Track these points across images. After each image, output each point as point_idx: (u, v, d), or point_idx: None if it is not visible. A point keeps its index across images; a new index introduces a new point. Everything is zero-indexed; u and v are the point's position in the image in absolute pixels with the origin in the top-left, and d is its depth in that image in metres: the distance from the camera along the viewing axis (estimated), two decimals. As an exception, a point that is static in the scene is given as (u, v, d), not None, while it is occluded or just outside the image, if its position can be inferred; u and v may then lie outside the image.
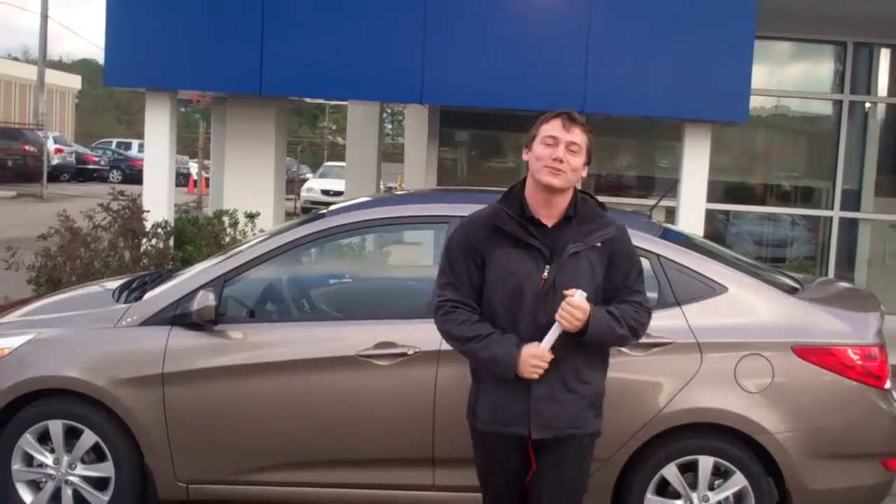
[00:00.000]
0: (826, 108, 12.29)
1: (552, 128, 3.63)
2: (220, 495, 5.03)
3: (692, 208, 9.12)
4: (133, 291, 5.41)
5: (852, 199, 11.94)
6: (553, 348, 3.62)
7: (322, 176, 31.20)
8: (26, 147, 32.88)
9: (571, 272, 3.61)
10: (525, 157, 3.74)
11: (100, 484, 5.03)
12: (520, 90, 8.89)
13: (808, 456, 4.74)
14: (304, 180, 31.71)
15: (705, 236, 9.21)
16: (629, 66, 8.86)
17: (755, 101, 10.98)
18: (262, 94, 9.26)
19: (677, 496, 4.82)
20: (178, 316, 4.92)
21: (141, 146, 41.98)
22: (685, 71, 8.86)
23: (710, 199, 9.82)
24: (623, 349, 4.70)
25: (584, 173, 3.71)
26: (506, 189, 3.84)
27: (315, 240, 5.19)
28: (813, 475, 4.76)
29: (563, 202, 3.67)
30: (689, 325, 4.81)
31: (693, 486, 4.80)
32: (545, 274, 3.62)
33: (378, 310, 5.38)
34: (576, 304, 3.53)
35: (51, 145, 35.01)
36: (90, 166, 39.73)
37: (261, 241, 5.30)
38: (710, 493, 4.79)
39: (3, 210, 23.18)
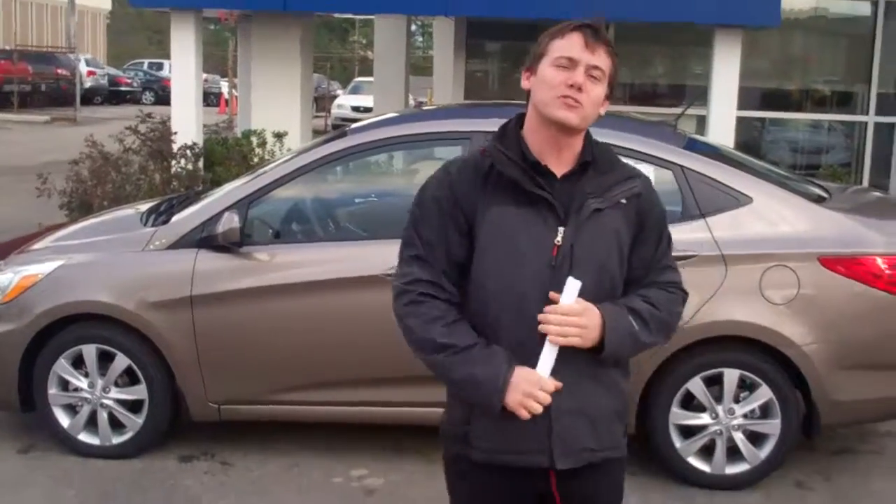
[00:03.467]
0: (863, 9, 11.96)
1: (570, 45, 2.52)
2: (251, 415, 5.12)
3: (723, 117, 8.97)
4: (161, 215, 5.45)
5: (888, 104, 11.68)
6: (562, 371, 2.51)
7: (352, 92, 30.97)
8: (59, 70, 32.94)
9: (593, 238, 2.55)
10: (525, 83, 2.65)
11: (134, 406, 5.13)
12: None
13: (835, 367, 4.73)
14: (335, 97, 31.54)
15: (738, 144, 9.14)
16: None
17: (788, 4, 10.70)
18: (286, 9, 9.18)
19: (702, 409, 4.84)
20: (205, 238, 4.95)
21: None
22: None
23: (743, 106, 9.66)
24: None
25: (604, 109, 2.62)
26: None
27: (338, 159, 5.20)
28: (840, 387, 4.75)
29: (576, 145, 2.61)
30: (714, 236, 4.77)
31: (718, 399, 4.81)
32: (558, 239, 2.53)
33: (402, 228, 5.36)
34: (564, 311, 2.46)
35: (83, 68, 35.02)
36: (123, 88, 39.79)
37: (285, 162, 5.30)
38: (735, 406, 4.81)
39: (37, 135, 23.34)
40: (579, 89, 2.51)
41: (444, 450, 2.76)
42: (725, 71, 8.95)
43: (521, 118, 2.67)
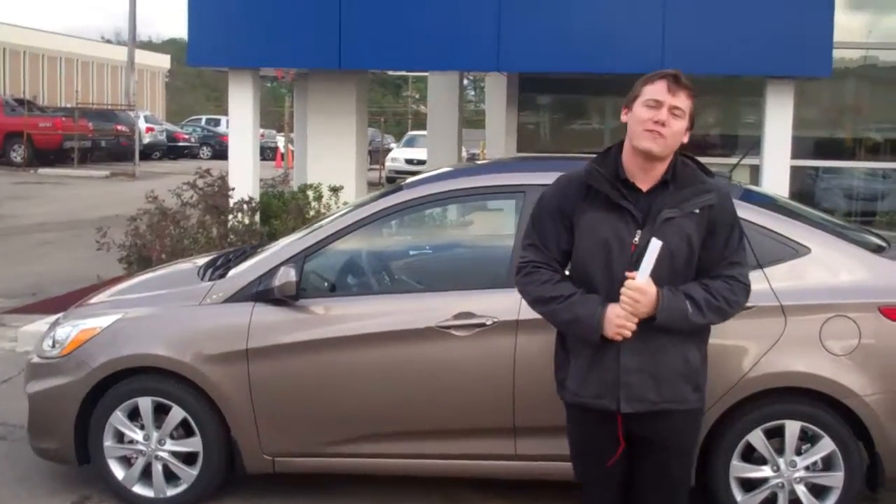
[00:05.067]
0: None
1: (656, 90, 3.34)
2: (305, 467, 5.12)
3: (777, 166, 8.93)
4: (218, 269, 5.51)
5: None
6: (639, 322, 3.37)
7: (406, 145, 31.30)
8: (119, 127, 33.69)
9: (665, 238, 3.33)
10: (623, 118, 3.46)
11: (188, 458, 5.15)
12: (595, 53, 8.80)
13: (899, 418, 4.63)
14: (389, 150, 31.86)
15: (792, 193, 9.07)
16: (707, 23, 8.69)
17: (840, 53, 10.65)
18: (342, 67, 9.33)
19: (763, 462, 4.75)
20: (261, 292, 4.99)
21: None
22: (764, 26, 8.68)
23: (796, 154, 9.58)
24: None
25: (686, 139, 3.44)
26: (593, 153, 3.65)
27: (393, 213, 5.22)
28: (904, 438, 4.64)
29: (661, 167, 3.42)
30: (772, 287, 4.71)
31: (780, 451, 4.72)
32: (636, 239, 3.37)
33: (457, 280, 5.39)
34: (635, 287, 3.30)
35: (142, 124, 35.82)
36: (181, 143, 40.57)
37: (341, 216, 5.35)
38: (797, 458, 4.71)
39: (96, 189, 23.82)
40: (663, 125, 3.32)
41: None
42: (778, 121, 8.93)
43: (620, 144, 3.51)
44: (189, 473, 5.14)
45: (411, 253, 5.93)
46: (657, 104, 3.33)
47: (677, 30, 8.68)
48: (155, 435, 5.13)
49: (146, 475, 5.18)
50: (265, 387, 4.98)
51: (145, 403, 5.12)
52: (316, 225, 5.49)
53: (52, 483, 5.48)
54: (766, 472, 4.75)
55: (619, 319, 3.33)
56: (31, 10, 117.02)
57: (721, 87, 11.82)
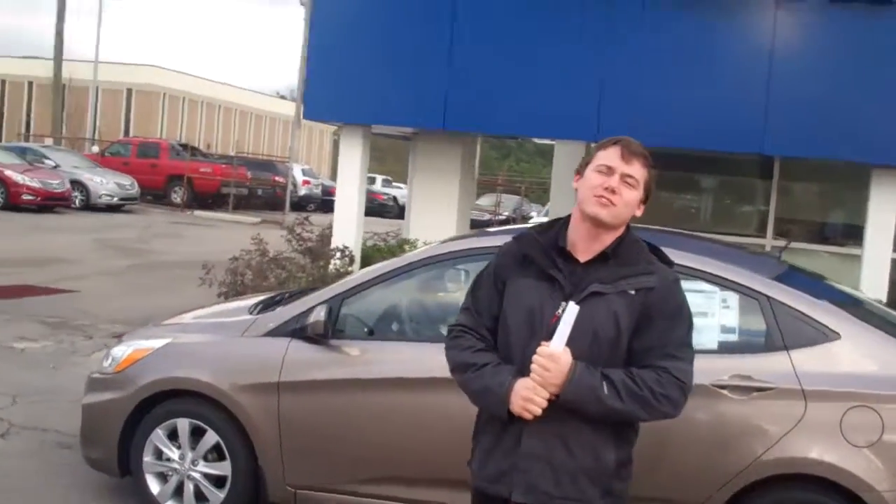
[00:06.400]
0: None
1: (608, 156, 3.14)
2: (324, 502, 5.25)
3: (877, 257, 8.64)
4: (269, 306, 5.75)
5: None
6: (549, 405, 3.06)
7: (547, 214, 31.41)
8: (276, 178, 35.02)
9: (590, 313, 3.06)
10: (574, 184, 3.24)
11: (218, 482, 5.36)
12: (695, 130, 8.78)
13: (918, 517, 4.44)
14: (528, 218, 32.05)
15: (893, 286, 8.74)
16: (811, 106, 8.55)
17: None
18: (445, 128, 9.58)
19: (774, 549, 4.62)
20: (297, 329, 5.20)
21: (384, 181, 43.85)
22: (872, 112, 8.48)
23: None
24: (723, 391, 4.60)
25: (640, 212, 3.21)
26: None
27: (431, 264, 5.38)
28: (922, 538, 4.44)
29: (607, 239, 3.17)
30: (795, 370, 4.61)
31: (791, 540, 4.59)
32: (559, 311, 3.08)
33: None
34: (545, 354, 3.01)
35: (300, 177, 37.13)
36: (335, 198, 41.75)
37: (382, 264, 5.54)
38: (810, 550, 4.57)
39: (243, 234, 24.66)
40: (613, 191, 3.10)
41: None
42: (882, 211, 8.66)
43: (570, 216, 3.28)
44: (217, 496, 5.35)
45: (447, 303, 6.05)
46: (609, 170, 3.12)
47: (780, 112, 8.59)
48: (190, 455, 5.38)
49: (178, 493, 5.42)
50: (292, 420, 5.16)
51: (183, 425, 5.38)
52: (362, 271, 5.68)
53: (95, 492, 5.79)
54: (779, 561, 4.61)
55: (525, 391, 3.03)
56: (215, 65, 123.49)
57: (821, 171, 11.50)
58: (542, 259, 3.19)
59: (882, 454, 4.48)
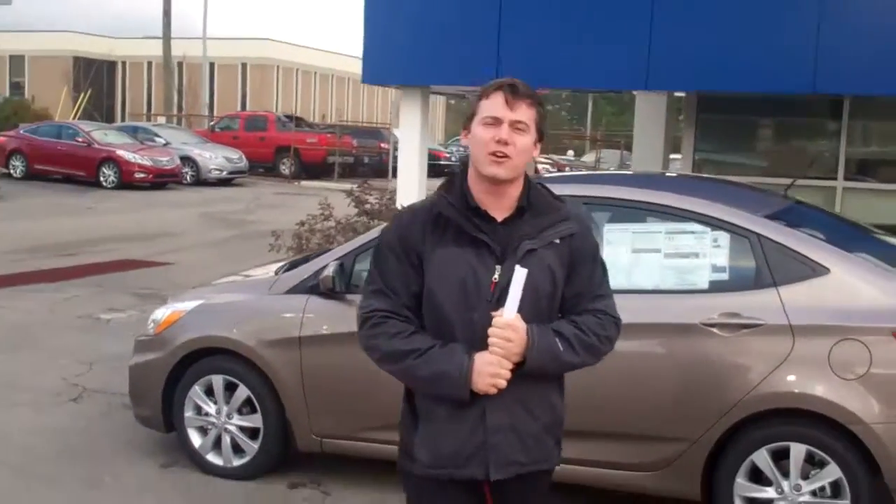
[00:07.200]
0: None
1: (492, 105, 2.91)
2: (349, 449, 5.54)
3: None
4: (295, 266, 6.05)
5: None
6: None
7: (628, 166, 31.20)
8: (382, 145, 35.46)
9: (528, 273, 2.89)
10: (463, 140, 3.03)
11: (252, 433, 5.71)
12: (745, 72, 8.67)
13: (908, 448, 4.47)
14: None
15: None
16: (864, 41, 8.36)
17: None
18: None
19: (769, 483, 4.71)
20: (313, 286, 5.49)
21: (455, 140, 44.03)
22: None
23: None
24: (713, 329, 4.70)
25: (536, 153, 3.02)
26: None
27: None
28: (913, 469, 4.47)
29: (513, 192, 2.97)
30: (784, 306, 4.68)
31: (786, 474, 4.67)
32: (496, 276, 2.90)
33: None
34: (503, 324, 2.83)
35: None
36: (441, 162, 42.05)
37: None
38: (803, 483, 4.64)
39: (341, 200, 25.29)
40: (505, 143, 2.89)
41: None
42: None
43: (464, 172, 3.03)
44: (252, 447, 5.71)
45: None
46: (496, 121, 2.90)
47: (829, 49, 8.41)
48: (225, 409, 5.74)
49: (217, 445, 5.80)
50: (314, 372, 5.46)
51: (218, 381, 5.74)
52: (375, 228, 5.92)
53: (150, 448, 6.20)
54: (770, 493, 4.71)
55: (491, 367, 2.84)
56: (319, 33, 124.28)
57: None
58: (464, 222, 2.93)
59: (871, 387, 4.53)
